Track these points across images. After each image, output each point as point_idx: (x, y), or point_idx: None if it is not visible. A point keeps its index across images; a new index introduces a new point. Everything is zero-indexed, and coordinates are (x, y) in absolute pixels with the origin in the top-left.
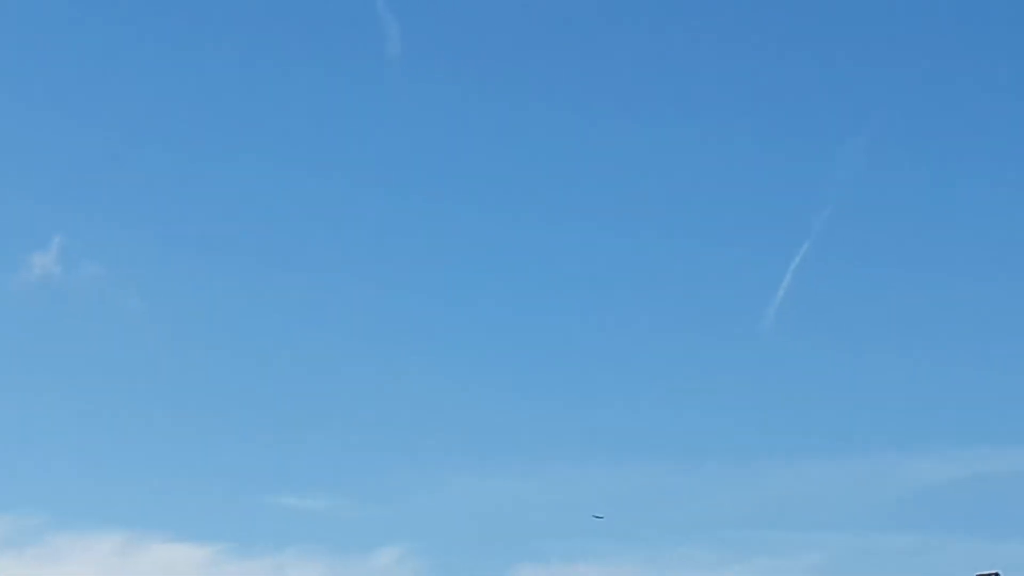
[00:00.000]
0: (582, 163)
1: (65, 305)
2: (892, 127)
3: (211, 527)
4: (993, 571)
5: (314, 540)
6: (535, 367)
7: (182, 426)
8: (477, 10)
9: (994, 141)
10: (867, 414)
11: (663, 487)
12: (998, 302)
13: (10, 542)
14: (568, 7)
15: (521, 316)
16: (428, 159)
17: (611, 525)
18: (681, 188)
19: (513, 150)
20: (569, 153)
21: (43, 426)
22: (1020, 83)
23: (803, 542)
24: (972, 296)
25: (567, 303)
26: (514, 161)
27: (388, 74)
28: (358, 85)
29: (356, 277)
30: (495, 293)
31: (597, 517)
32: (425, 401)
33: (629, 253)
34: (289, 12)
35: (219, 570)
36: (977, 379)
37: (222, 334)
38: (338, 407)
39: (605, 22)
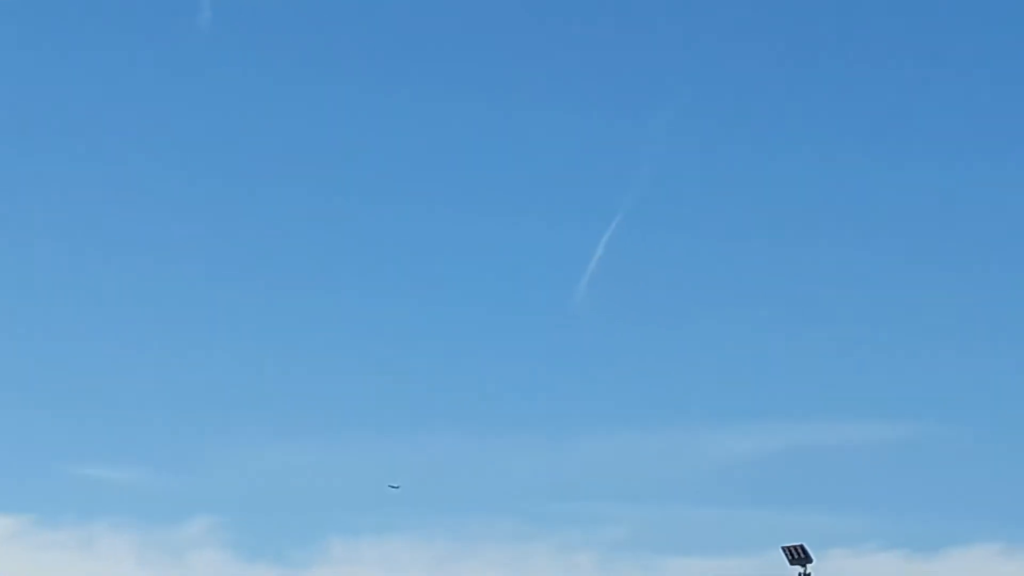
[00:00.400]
0: (384, 139)
1: None
2: (699, 101)
3: (17, 498)
4: (799, 543)
5: (123, 511)
6: (342, 342)
7: None
8: None
9: (796, 110)
10: (675, 388)
11: (472, 459)
12: (807, 275)
13: None
14: None
15: (324, 292)
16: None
17: (420, 497)
18: (492, 164)
19: (312, 126)
20: (369, 128)
21: None
22: (816, 54)
23: (609, 513)
24: (782, 270)
25: (373, 279)
26: (304, 136)
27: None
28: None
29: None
30: (296, 272)
31: (393, 487)
32: (234, 373)
33: (441, 228)
34: None
35: (26, 541)
36: (783, 354)
37: (30, 307)
38: (147, 379)
39: None
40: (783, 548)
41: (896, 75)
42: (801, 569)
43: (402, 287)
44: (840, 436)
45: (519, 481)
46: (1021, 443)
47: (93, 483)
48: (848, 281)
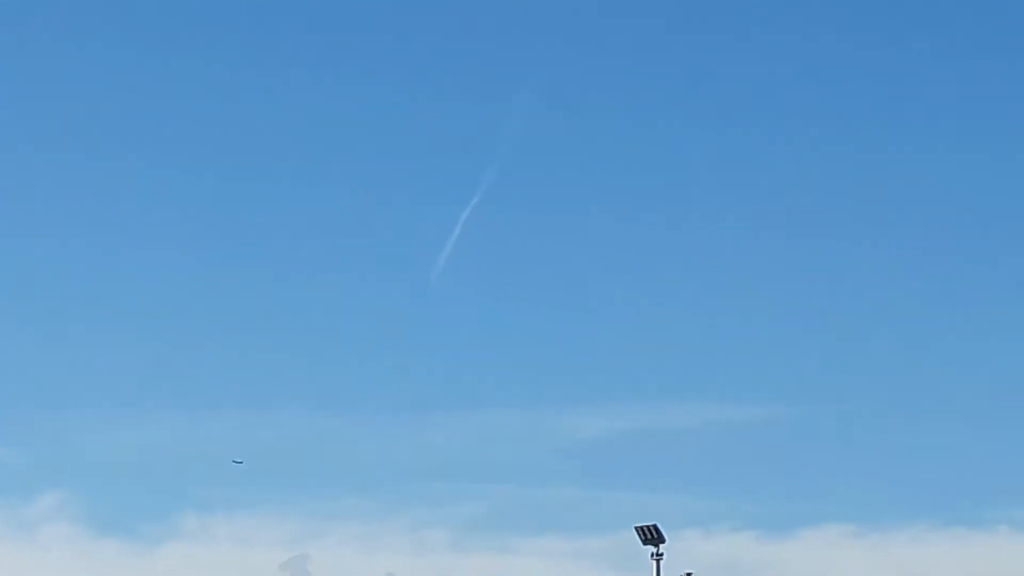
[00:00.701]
0: (242, 114)
1: None
2: (557, 80)
3: None
4: (652, 523)
5: None
6: (197, 316)
7: None
8: None
9: (655, 87)
10: (531, 368)
11: (327, 436)
12: (662, 255)
13: None
14: None
15: (178, 264)
16: None
17: (274, 474)
18: (353, 140)
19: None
20: (213, 101)
21: None
22: (678, 29)
23: (464, 493)
24: (636, 250)
25: (230, 252)
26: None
27: None
28: None
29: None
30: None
31: (236, 462)
32: (84, 348)
33: (301, 204)
34: None
35: None
36: (636, 336)
37: None
38: None
39: None
40: (636, 528)
41: (757, 41)
42: (654, 549)
43: (258, 261)
44: (694, 418)
45: (374, 459)
46: (869, 425)
47: None
48: (699, 261)
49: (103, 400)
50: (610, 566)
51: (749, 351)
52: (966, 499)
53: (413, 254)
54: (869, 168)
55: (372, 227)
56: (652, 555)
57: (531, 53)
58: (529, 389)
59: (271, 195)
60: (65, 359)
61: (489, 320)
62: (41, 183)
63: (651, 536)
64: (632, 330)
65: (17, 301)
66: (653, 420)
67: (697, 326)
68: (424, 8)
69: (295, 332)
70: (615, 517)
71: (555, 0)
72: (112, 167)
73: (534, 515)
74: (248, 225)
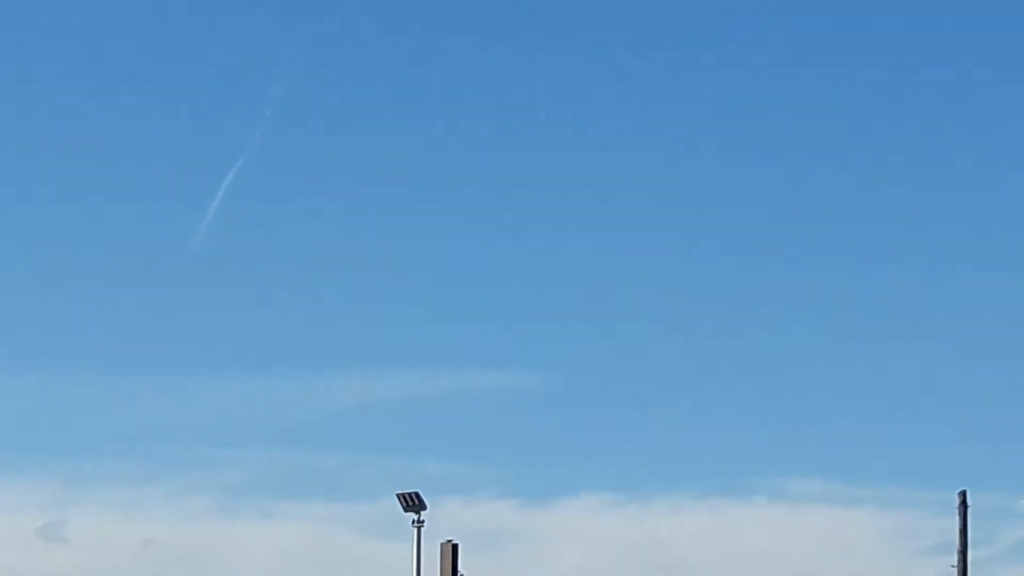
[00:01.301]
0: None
1: None
2: (319, 46)
3: None
4: (413, 490)
5: None
6: None
7: None
8: None
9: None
10: (294, 332)
11: (85, 400)
12: (420, 230)
13: None
14: None
15: None
16: None
17: (28, 439)
18: (109, 115)
19: None
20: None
21: None
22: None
23: (227, 458)
24: (397, 224)
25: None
26: None
27: None
28: None
29: None
30: None
31: None
32: None
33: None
34: None
35: None
36: (400, 302)
37: None
38: None
39: None
40: (398, 495)
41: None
42: (415, 516)
43: (16, 231)
44: (453, 384)
45: (135, 423)
46: (629, 394)
47: None
48: (460, 234)
49: None
50: (372, 533)
51: (510, 318)
52: (724, 469)
53: (174, 217)
54: None
55: (135, 189)
56: (413, 522)
57: (293, 17)
58: (293, 354)
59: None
60: None
61: (253, 285)
62: None
63: (412, 503)
64: (396, 297)
65: None
66: (416, 387)
67: (455, 294)
68: None
69: (54, 294)
70: (378, 484)
71: None
72: None
73: (297, 481)
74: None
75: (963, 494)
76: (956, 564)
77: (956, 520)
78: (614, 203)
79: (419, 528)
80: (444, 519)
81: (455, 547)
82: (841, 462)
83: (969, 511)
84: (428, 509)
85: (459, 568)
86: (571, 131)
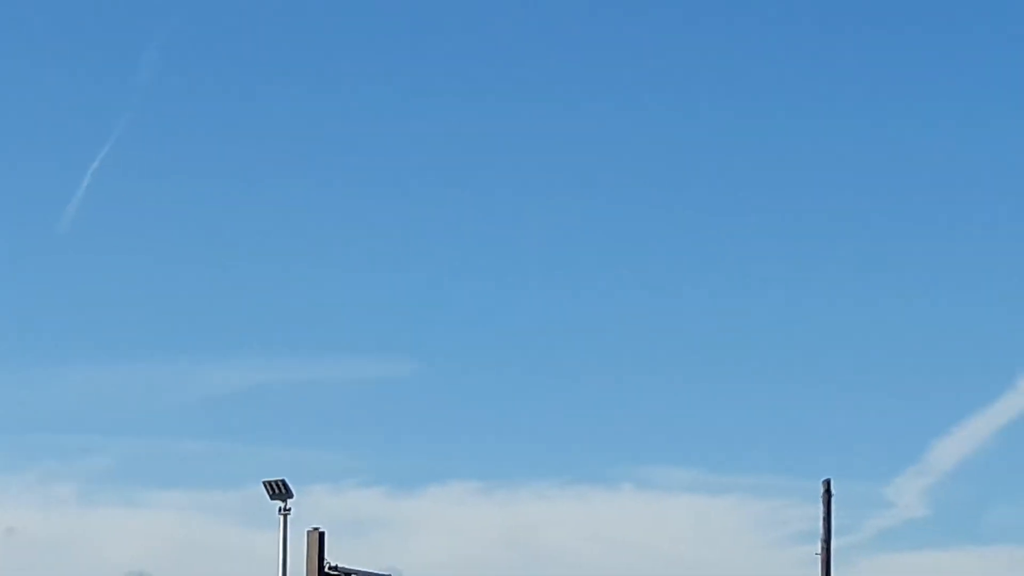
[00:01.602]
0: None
1: None
2: (186, 31)
3: None
4: (280, 478)
5: None
6: None
7: None
8: None
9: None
10: (156, 321)
11: None
12: (304, 208)
13: None
14: None
15: None
16: None
17: None
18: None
19: None
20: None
21: None
22: None
23: (92, 445)
24: (279, 207)
25: None
26: None
27: None
28: None
29: None
30: None
31: None
32: None
33: None
34: None
35: None
36: (267, 287)
37: None
38: None
39: None
40: (264, 482)
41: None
42: (281, 504)
43: None
44: (320, 372)
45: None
46: (497, 382)
47: None
48: (327, 222)
49: None
50: (238, 520)
51: (376, 306)
52: (591, 457)
53: (40, 204)
54: None
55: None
56: (280, 510)
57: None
58: (157, 341)
59: None
60: None
61: (121, 270)
62: None
63: (279, 491)
64: (259, 284)
65: None
66: (283, 374)
67: (320, 281)
68: None
69: None
70: (244, 471)
71: None
72: None
73: (163, 469)
74: None
75: (827, 483)
76: (820, 552)
77: (820, 509)
78: (470, 190)
79: (285, 516)
80: (310, 507)
81: (322, 535)
82: (707, 451)
83: (833, 500)
84: (294, 497)
85: (325, 556)
86: (424, 100)
